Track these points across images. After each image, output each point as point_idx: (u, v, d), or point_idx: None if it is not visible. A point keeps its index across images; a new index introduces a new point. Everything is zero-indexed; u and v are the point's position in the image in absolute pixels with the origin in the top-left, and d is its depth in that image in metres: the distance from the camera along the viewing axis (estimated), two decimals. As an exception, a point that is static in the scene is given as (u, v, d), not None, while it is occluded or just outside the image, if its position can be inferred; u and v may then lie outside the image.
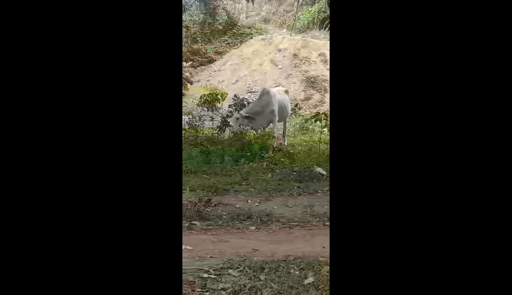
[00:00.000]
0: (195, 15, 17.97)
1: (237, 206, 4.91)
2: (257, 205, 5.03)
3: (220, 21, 18.05)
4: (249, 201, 5.19)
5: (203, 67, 16.21)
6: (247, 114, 8.06)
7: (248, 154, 7.09)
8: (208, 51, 15.72)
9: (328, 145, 7.70)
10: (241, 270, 3.04)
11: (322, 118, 7.75)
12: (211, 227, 4.25)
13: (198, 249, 3.53)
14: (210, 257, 3.38)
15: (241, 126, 8.04)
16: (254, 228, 4.28)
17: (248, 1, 7.27)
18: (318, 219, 4.52)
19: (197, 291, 2.76)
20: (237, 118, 8.12)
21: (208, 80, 14.85)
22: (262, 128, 8.35)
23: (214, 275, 2.97)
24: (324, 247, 3.53)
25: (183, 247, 3.42)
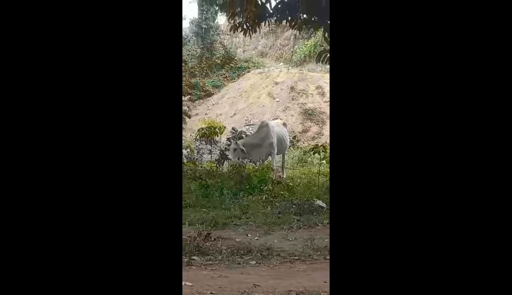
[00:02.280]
0: (193, 49, 18.19)
1: (237, 240, 4.86)
2: (257, 239, 4.97)
3: (218, 55, 18.26)
4: (249, 235, 5.13)
5: (201, 100, 16.33)
6: (242, 147, 8.05)
7: (247, 187, 7.04)
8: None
9: (327, 178, 7.69)
10: (242, 307, 2.99)
11: (321, 151, 7.76)
12: (210, 262, 4.19)
13: (198, 285, 3.47)
14: (210, 293, 3.32)
15: (239, 159, 8.03)
16: (254, 262, 4.22)
17: (245, 36, 7.34)
18: (319, 253, 4.47)
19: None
20: (235, 149, 8.11)
21: (206, 114, 14.93)
22: (261, 161, 8.33)
23: (215, 312, 2.92)
24: (325, 282, 3.47)
25: (183, 283, 3.37)
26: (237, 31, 7.28)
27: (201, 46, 18.25)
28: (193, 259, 4.17)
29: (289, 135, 10.38)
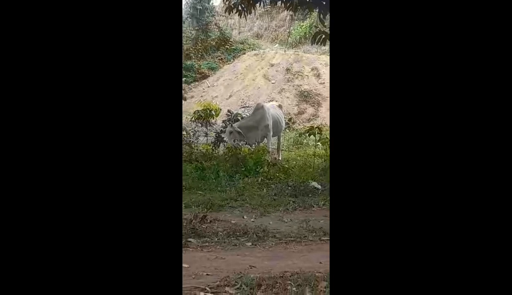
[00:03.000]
0: (188, 31, 18.05)
1: (233, 222, 4.88)
2: (252, 221, 5.00)
3: (213, 37, 18.15)
4: (244, 217, 5.16)
5: (196, 83, 16.27)
6: (238, 130, 8.05)
7: (243, 169, 7.06)
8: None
9: (323, 159, 7.71)
10: (238, 288, 3.01)
11: (316, 133, 7.77)
12: (207, 244, 4.22)
13: (194, 266, 3.49)
14: (206, 274, 3.35)
15: (235, 141, 8.03)
16: (250, 244, 4.26)
17: (240, 17, 7.30)
18: (314, 234, 4.51)
19: (194, 310, 2.73)
20: (231, 132, 8.12)
21: (201, 96, 14.88)
22: (256, 143, 8.34)
23: (211, 293, 2.94)
24: (320, 262, 3.51)
25: (179, 265, 3.40)
26: (232, 12, 7.23)
27: (196, 28, 18.12)
28: (189, 241, 4.20)
29: (285, 117, 10.39)
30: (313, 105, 13.98)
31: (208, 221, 4.78)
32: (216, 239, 4.33)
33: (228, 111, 9.69)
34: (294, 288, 3.00)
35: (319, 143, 8.09)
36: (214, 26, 18.42)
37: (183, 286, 2.93)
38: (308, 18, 16.32)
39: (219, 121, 9.71)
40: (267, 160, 7.56)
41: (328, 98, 13.63)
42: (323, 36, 6.43)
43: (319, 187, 6.37)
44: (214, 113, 9.08)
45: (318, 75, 14.83)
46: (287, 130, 11.66)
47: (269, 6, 10.34)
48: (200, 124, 9.35)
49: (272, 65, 15.62)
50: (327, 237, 4.40)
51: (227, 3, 7.24)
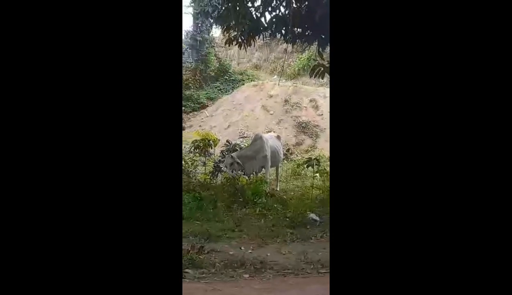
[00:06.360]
0: (187, 62, 18.23)
1: (230, 253, 4.85)
2: (250, 252, 4.97)
3: (212, 68, 18.32)
4: (242, 248, 5.13)
5: (195, 113, 16.34)
6: (238, 161, 8.06)
7: (241, 199, 7.03)
8: None
9: (321, 191, 7.70)
10: (235, 320, 2.98)
11: (314, 164, 7.78)
12: (204, 275, 4.18)
13: (191, 298, 3.46)
14: (203, 306, 3.32)
15: (234, 171, 8.02)
16: (247, 276, 4.22)
17: (240, 49, 7.40)
18: (312, 267, 4.47)
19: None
20: (231, 163, 8.10)
21: (200, 126, 14.92)
22: (254, 173, 8.33)
23: (208, 325, 2.91)
24: (318, 296, 3.48)
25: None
26: (232, 44, 7.33)
27: (195, 59, 18.30)
28: (187, 272, 4.16)
29: (283, 148, 10.41)
30: (311, 137, 14.03)
31: (206, 251, 4.75)
32: (213, 270, 4.30)
33: (227, 141, 9.72)
34: (292, 322, 2.97)
35: (317, 174, 8.08)
36: (214, 57, 18.62)
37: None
38: (306, 51, 16.51)
39: (217, 151, 9.72)
40: (265, 191, 7.54)
41: (326, 130, 13.72)
42: (322, 69, 6.50)
43: (317, 218, 6.35)
44: (212, 143, 9.10)
45: (316, 107, 14.92)
46: (285, 161, 11.66)
47: (269, 39, 10.48)
48: (198, 154, 9.35)
49: (271, 96, 15.73)
50: (325, 270, 4.36)
51: (227, 35, 7.34)
